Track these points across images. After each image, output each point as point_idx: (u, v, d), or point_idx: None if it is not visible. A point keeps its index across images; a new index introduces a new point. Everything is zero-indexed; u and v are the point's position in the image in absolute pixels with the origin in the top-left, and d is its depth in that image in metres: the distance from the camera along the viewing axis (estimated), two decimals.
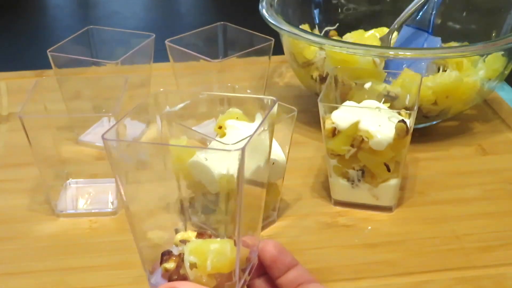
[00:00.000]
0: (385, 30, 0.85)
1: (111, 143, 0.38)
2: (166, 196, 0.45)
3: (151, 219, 0.43)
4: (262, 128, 0.39)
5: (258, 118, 0.44)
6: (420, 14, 0.82)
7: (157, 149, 0.43)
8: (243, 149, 0.35)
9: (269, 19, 0.76)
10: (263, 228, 0.61)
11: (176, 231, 0.41)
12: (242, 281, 0.41)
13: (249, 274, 0.42)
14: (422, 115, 0.74)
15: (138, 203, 0.42)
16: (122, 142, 0.40)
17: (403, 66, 0.73)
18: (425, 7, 0.82)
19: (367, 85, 0.66)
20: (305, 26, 0.84)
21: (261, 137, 0.40)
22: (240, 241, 0.39)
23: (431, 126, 0.78)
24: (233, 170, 0.36)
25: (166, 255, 0.40)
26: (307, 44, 0.75)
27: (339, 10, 0.91)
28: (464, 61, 0.75)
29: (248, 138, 0.37)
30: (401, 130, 0.58)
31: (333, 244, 0.60)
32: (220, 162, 0.41)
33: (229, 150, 0.36)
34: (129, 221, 0.41)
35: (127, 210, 0.41)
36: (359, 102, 0.63)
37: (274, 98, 0.43)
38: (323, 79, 0.75)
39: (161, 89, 0.45)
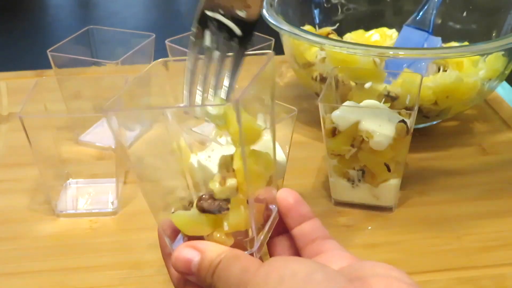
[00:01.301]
0: (385, 30, 0.85)
1: (111, 113, 0.38)
2: (172, 166, 0.45)
3: (163, 184, 0.43)
4: (256, 81, 0.39)
5: (260, 119, 0.44)
6: (421, 14, 0.82)
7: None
8: (237, 101, 0.36)
9: (269, 19, 0.76)
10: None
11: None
12: (262, 237, 0.41)
13: (269, 230, 0.42)
14: (422, 115, 0.74)
15: (148, 173, 0.42)
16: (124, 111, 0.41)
17: (403, 66, 0.73)
18: (426, 7, 0.82)
19: (367, 85, 0.66)
20: (309, 28, 0.84)
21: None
22: (252, 196, 0.39)
23: (431, 126, 0.78)
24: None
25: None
26: (307, 44, 0.75)
27: (339, 10, 0.91)
28: (465, 61, 0.75)
29: (243, 90, 0.37)
30: (402, 130, 0.58)
31: None
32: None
33: (224, 105, 0.37)
34: (143, 191, 0.41)
35: (140, 180, 0.41)
36: (359, 102, 0.63)
37: (270, 52, 0.42)
38: (323, 79, 0.75)
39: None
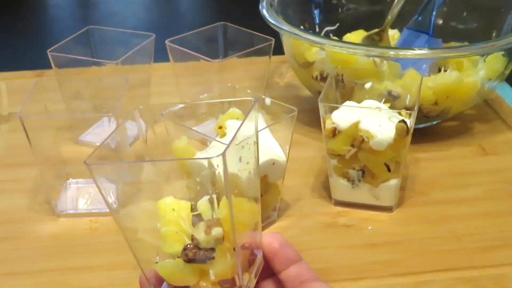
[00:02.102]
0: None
1: (95, 167, 0.38)
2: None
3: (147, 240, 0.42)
4: (242, 130, 0.39)
5: (260, 119, 0.44)
6: (421, 16, 0.82)
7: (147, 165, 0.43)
8: (223, 155, 0.35)
9: (269, 19, 0.76)
10: (263, 228, 0.61)
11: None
12: (249, 284, 0.41)
13: (255, 275, 0.42)
14: (422, 115, 0.74)
15: (133, 223, 0.42)
16: (107, 165, 0.40)
17: (406, 68, 0.73)
18: (426, 9, 0.82)
19: (368, 85, 0.66)
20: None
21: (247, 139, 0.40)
22: (238, 244, 0.39)
23: (431, 126, 0.78)
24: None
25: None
26: (307, 44, 0.75)
27: (340, 10, 0.91)
28: (465, 61, 0.75)
29: (229, 142, 0.36)
30: (402, 130, 0.58)
31: (333, 244, 0.60)
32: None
33: (211, 157, 0.36)
34: (128, 241, 0.41)
35: (123, 232, 0.41)
36: (359, 102, 0.63)
37: (253, 99, 0.42)
38: (323, 78, 0.75)
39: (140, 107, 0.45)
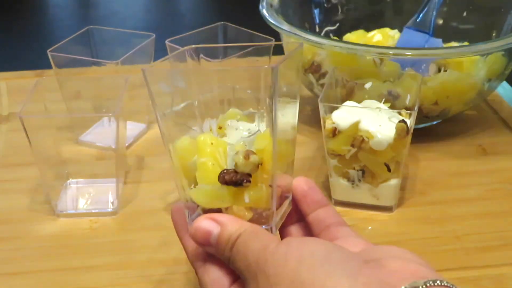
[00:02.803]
0: (387, 30, 0.85)
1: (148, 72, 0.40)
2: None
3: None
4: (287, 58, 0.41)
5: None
6: (421, 16, 0.82)
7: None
8: (276, 67, 0.37)
9: (269, 19, 0.76)
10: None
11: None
12: (278, 218, 0.42)
13: (282, 217, 0.43)
14: (422, 115, 0.74)
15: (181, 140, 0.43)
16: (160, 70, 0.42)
17: (405, 68, 0.73)
18: (426, 9, 0.82)
19: (368, 85, 0.66)
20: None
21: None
22: (275, 175, 0.40)
23: (431, 126, 0.78)
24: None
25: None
26: (307, 44, 0.75)
27: (339, 10, 0.91)
28: (465, 61, 0.75)
29: (279, 62, 0.38)
30: (402, 130, 0.58)
31: None
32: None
33: (262, 67, 0.39)
34: (173, 158, 0.42)
35: (170, 147, 0.42)
36: (359, 102, 0.63)
37: (300, 42, 0.44)
38: (322, 75, 0.75)
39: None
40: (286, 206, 0.43)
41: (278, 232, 0.44)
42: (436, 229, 0.61)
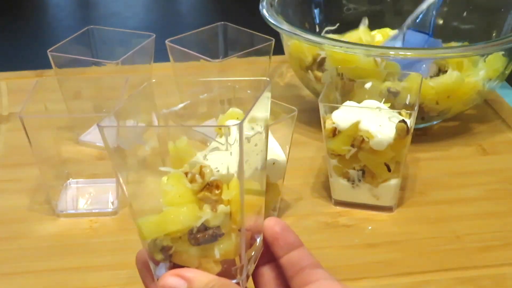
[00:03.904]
0: (388, 30, 0.85)
1: (107, 130, 0.38)
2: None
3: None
4: (257, 107, 0.39)
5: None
6: (420, 16, 0.82)
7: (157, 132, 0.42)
8: (241, 124, 0.35)
9: (269, 19, 0.76)
10: None
11: None
12: (249, 266, 0.41)
13: (254, 260, 0.42)
14: (422, 115, 0.74)
15: (141, 200, 0.41)
16: (119, 128, 0.39)
17: (405, 68, 0.73)
18: (425, 9, 0.82)
19: (368, 85, 0.66)
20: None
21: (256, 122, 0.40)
22: (245, 226, 0.39)
23: (431, 126, 0.78)
24: (234, 159, 0.36)
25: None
26: (307, 44, 0.75)
27: (340, 10, 0.91)
28: (465, 61, 0.75)
29: (245, 115, 0.37)
30: (402, 130, 0.58)
31: (333, 244, 0.60)
32: (219, 161, 0.41)
33: (228, 126, 0.36)
34: (134, 217, 0.41)
35: (130, 207, 0.40)
36: (359, 102, 0.63)
37: (267, 79, 0.42)
38: (320, 65, 0.75)
39: (153, 80, 0.45)
40: (257, 250, 0.42)
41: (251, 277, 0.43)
42: (436, 229, 0.61)
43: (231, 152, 0.37)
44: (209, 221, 0.38)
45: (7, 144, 0.76)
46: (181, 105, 0.51)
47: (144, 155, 0.42)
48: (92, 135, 0.74)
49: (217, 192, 0.38)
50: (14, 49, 2.59)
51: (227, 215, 0.39)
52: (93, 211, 0.64)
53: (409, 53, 0.70)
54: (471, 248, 0.59)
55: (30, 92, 0.61)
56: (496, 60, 0.74)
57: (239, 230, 0.39)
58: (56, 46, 0.71)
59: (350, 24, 0.88)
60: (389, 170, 0.61)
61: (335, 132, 0.60)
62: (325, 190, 0.66)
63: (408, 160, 0.70)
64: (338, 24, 0.89)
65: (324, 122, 0.61)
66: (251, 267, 0.42)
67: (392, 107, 0.63)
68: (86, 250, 0.59)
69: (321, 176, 0.69)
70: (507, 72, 0.77)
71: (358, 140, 0.59)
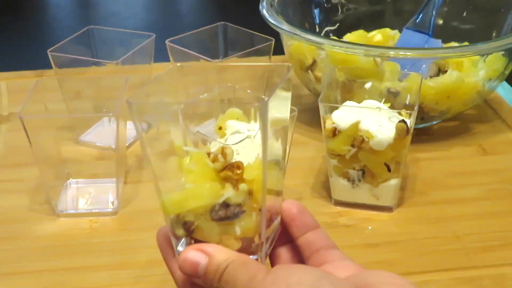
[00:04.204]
0: (388, 31, 0.85)
1: (136, 105, 0.38)
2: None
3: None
4: (281, 88, 0.40)
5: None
6: (420, 16, 0.82)
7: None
8: (265, 103, 0.36)
9: (269, 19, 0.76)
10: None
11: None
12: (267, 246, 0.41)
13: (272, 241, 0.43)
14: (422, 115, 0.74)
15: (166, 178, 0.42)
16: (148, 104, 0.41)
17: (405, 68, 0.73)
18: (425, 9, 0.82)
19: (368, 85, 0.66)
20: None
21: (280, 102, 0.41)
22: (265, 205, 0.39)
23: (431, 126, 0.78)
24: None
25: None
26: (307, 44, 0.75)
27: (339, 10, 0.91)
28: (465, 61, 0.75)
29: (270, 95, 0.38)
30: (402, 130, 0.58)
31: None
32: (241, 143, 0.42)
33: (253, 105, 0.37)
34: (158, 194, 0.41)
35: (155, 184, 0.41)
36: (359, 102, 0.63)
37: (289, 64, 0.43)
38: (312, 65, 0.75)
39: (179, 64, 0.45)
40: (275, 231, 0.43)
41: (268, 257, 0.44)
42: (436, 229, 0.61)
43: (254, 133, 0.38)
44: (231, 199, 0.39)
45: (7, 144, 0.76)
46: (205, 95, 0.51)
47: (169, 133, 0.42)
48: (92, 135, 0.74)
49: (238, 172, 0.39)
50: (14, 49, 2.59)
51: (248, 194, 0.39)
52: (93, 211, 0.64)
53: (409, 53, 0.70)
54: (471, 248, 0.59)
55: (30, 92, 0.61)
56: (496, 60, 0.74)
57: (260, 210, 0.40)
58: (56, 46, 0.71)
59: (350, 25, 0.88)
60: (389, 170, 0.61)
61: (335, 132, 0.60)
62: (325, 190, 0.66)
63: (408, 160, 0.70)
64: (338, 24, 0.89)
65: (324, 122, 0.61)
66: (270, 247, 0.42)
67: (392, 107, 0.63)
68: (86, 250, 0.59)
69: (321, 176, 0.69)
70: (507, 72, 0.77)
71: (358, 140, 0.59)
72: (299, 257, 0.43)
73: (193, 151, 0.41)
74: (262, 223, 0.40)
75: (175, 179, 0.42)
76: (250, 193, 0.40)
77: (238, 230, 0.40)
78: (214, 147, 0.41)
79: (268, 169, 0.40)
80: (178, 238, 0.42)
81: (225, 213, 0.39)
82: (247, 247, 0.41)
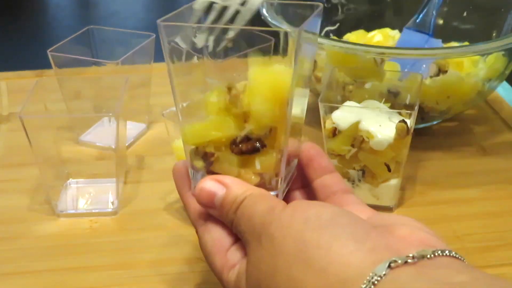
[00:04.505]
0: (388, 31, 0.85)
1: (166, 27, 0.38)
2: None
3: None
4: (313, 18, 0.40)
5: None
6: (420, 16, 0.82)
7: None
8: (300, 30, 0.36)
9: (269, 19, 0.76)
10: None
11: None
12: (284, 184, 0.41)
13: (289, 182, 0.42)
14: (422, 115, 0.74)
15: (188, 107, 0.42)
16: (178, 25, 0.42)
17: (405, 68, 0.73)
18: (425, 10, 0.82)
19: (368, 85, 0.66)
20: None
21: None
22: (288, 139, 0.39)
23: (431, 126, 0.78)
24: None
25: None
26: None
27: (339, 10, 0.91)
28: (465, 61, 0.75)
29: (302, 25, 0.37)
30: (402, 130, 0.58)
31: None
32: None
33: (286, 30, 0.38)
34: (180, 125, 0.41)
35: (178, 114, 0.40)
36: (359, 102, 0.63)
37: (319, 4, 0.43)
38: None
39: None
40: (291, 171, 0.42)
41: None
42: (436, 229, 0.60)
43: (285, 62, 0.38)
44: (253, 131, 0.39)
45: (7, 144, 0.76)
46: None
47: (194, 64, 0.43)
48: (92, 135, 0.74)
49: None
50: (14, 49, 2.59)
51: (271, 129, 0.39)
52: (93, 211, 0.64)
53: (409, 53, 0.70)
54: (471, 248, 0.59)
55: (30, 92, 0.61)
56: (496, 60, 0.74)
57: (280, 149, 0.39)
58: (56, 46, 0.71)
59: (350, 24, 0.88)
60: (389, 170, 0.61)
61: (335, 132, 0.60)
62: None
63: (408, 160, 0.70)
64: (338, 24, 0.89)
65: (324, 122, 0.61)
66: (286, 187, 0.42)
67: (392, 107, 0.63)
68: (86, 250, 0.59)
69: None
70: (507, 72, 0.77)
71: (358, 140, 0.59)
72: (316, 199, 0.43)
73: (216, 83, 0.40)
74: (283, 159, 0.39)
75: (198, 110, 0.41)
76: (272, 129, 0.39)
77: (257, 165, 0.39)
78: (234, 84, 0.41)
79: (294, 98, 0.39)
80: (196, 170, 0.41)
81: (246, 146, 0.39)
82: (265, 184, 0.40)
